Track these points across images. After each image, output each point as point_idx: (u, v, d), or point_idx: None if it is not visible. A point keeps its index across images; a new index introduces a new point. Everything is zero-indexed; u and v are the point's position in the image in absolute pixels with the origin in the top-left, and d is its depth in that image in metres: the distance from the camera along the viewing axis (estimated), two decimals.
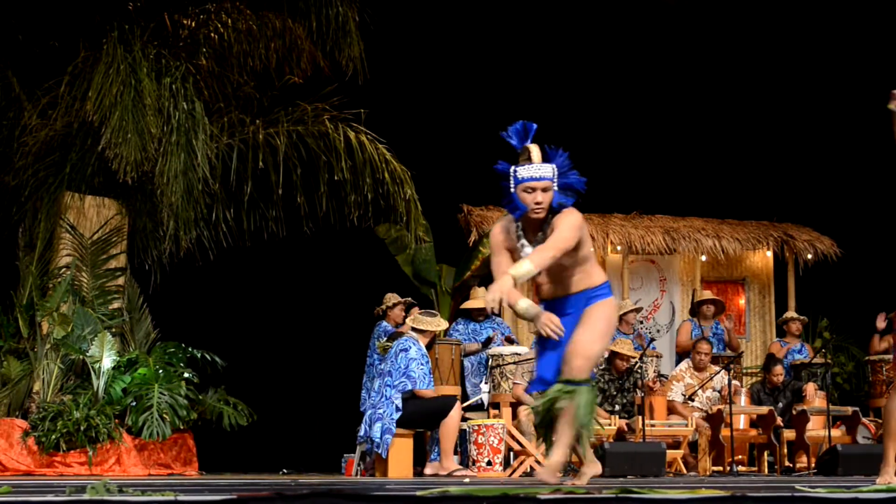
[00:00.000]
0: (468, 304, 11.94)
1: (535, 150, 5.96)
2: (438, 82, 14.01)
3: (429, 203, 12.14)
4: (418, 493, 3.53)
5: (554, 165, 5.93)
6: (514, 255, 6.02)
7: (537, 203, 5.88)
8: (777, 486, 5.95)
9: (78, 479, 7.62)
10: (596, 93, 14.65)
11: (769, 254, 14.29)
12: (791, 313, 13.23)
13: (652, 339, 11.92)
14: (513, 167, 5.93)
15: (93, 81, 10.44)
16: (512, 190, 5.92)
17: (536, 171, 5.89)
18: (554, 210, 5.94)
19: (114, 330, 10.76)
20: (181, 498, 3.45)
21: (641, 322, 12.89)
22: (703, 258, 13.96)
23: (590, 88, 14.63)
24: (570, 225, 5.87)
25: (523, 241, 5.99)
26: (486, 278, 12.59)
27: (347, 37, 11.53)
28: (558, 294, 6.10)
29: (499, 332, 11.77)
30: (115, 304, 11.04)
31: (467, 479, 8.89)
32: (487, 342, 11.43)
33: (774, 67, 15.02)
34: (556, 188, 5.91)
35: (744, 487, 5.42)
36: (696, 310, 12.86)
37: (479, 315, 11.87)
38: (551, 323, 5.85)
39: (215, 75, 11.57)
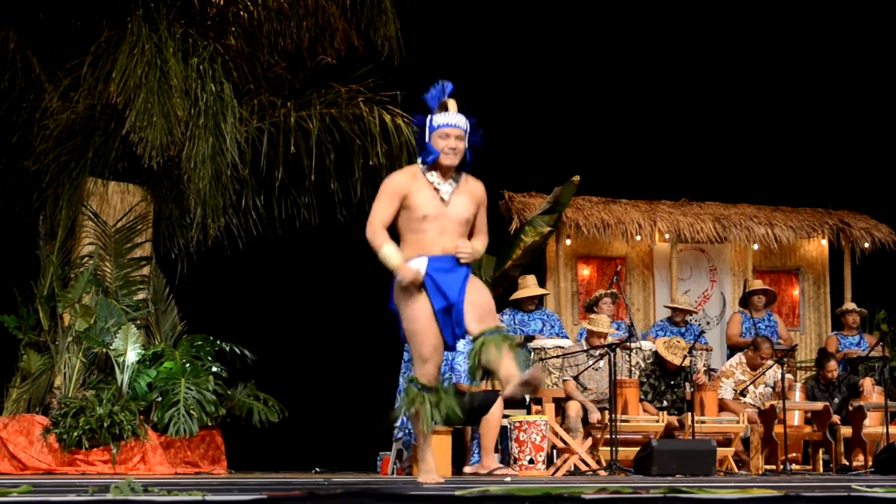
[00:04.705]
0: (518, 294, 11.74)
1: (451, 103, 6.50)
2: (478, 63, 13.80)
3: None
4: (457, 492, 3.57)
5: (467, 120, 6.48)
6: (408, 199, 6.35)
7: (451, 148, 6.36)
8: (833, 486, 6.01)
9: (101, 479, 7.59)
10: (644, 77, 14.53)
11: (824, 242, 14.13)
12: (849, 304, 13.08)
13: (702, 332, 11.82)
14: (429, 116, 6.48)
15: (117, 62, 10.32)
16: (427, 140, 6.42)
17: (452, 119, 6.44)
18: (465, 165, 6.47)
19: (138, 322, 10.67)
20: (209, 498, 3.50)
21: (691, 315, 12.67)
22: (756, 247, 13.80)
23: (638, 73, 14.53)
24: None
25: (435, 176, 6.38)
26: (528, 267, 12.49)
27: (383, 15, 11.32)
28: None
29: (547, 324, 11.59)
30: (140, 295, 10.95)
31: (508, 479, 8.71)
32: (530, 339, 11.21)
33: (829, 48, 14.89)
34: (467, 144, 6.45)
35: (798, 487, 5.51)
36: (746, 300, 12.74)
37: (530, 304, 11.69)
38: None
39: (245, 56, 11.38)
